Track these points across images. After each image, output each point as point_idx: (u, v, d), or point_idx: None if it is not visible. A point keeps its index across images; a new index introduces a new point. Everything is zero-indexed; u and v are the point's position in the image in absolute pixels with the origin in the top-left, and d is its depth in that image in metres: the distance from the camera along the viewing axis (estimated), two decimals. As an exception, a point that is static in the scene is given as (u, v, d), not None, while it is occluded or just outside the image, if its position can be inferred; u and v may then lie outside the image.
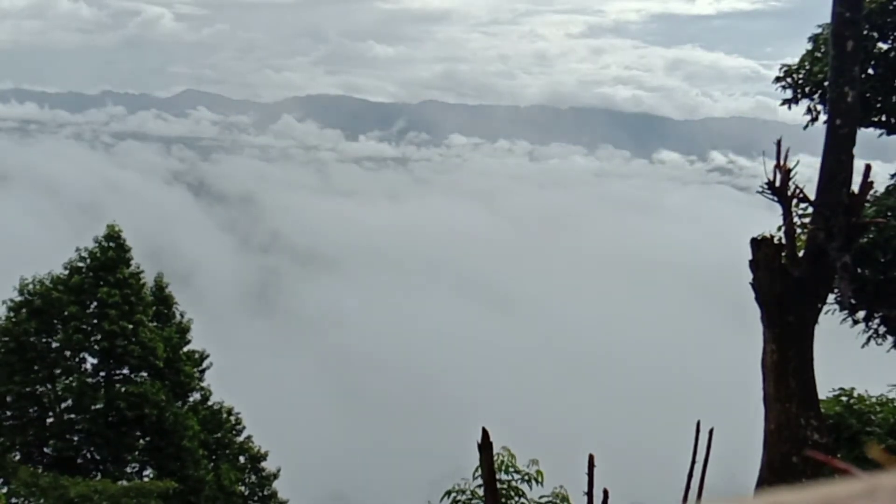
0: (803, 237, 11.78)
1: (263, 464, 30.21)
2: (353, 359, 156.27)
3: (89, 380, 27.17)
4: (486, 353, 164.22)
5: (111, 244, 27.90)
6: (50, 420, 27.01)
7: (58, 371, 27.15)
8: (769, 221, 13.41)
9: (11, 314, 26.99)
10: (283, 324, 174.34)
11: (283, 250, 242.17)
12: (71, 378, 26.91)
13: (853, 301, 15.34)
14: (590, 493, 8.45)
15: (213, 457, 29.00)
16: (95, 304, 27.35)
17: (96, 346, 27.28)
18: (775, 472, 10.28)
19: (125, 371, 27.62)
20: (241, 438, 30.07)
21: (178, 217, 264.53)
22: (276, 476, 30.30)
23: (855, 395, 15.07)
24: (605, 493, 8.30)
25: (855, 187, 10.81)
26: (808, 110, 16.92)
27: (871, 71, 16.22)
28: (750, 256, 10.83)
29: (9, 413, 26.62)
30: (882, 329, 16.37)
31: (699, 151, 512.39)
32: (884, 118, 16.63)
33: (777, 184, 10.92)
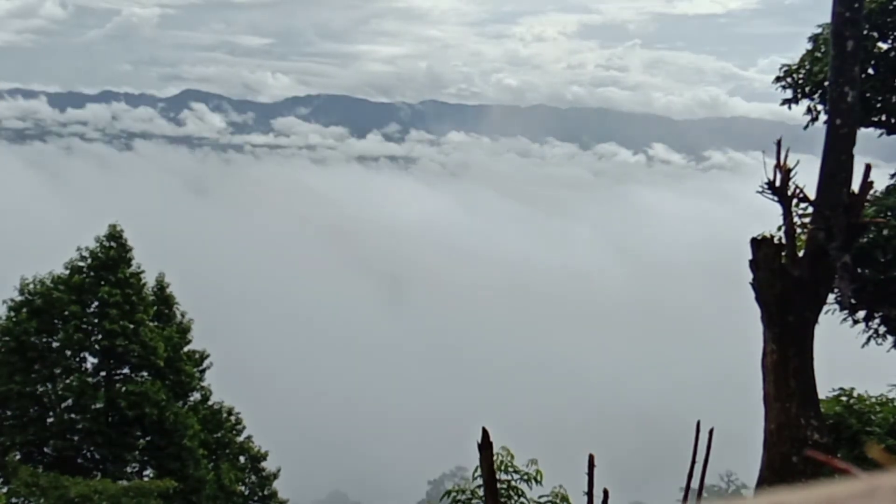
0: (803, 237, 11.78)
1: (263, 464, 30.20)
2: (352, 356, 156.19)
3: (90, 379, 27.15)
4: (485, 352, 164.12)
5: (112, 244, 27.88)
6: (50, 419, 26.98)
7: (58, 371, 27.13)
8: (769, 221, 13.42)
9: (12, 314, 26.98)
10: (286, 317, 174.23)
11: (314, 246, 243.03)
12: (71, 378, 26.89)
13: (853, 301, 15.34)
14: (590, 493, 8.45)
15: (214, 456, 28.99)
16: (96, 303, 27.34)
17: (97, 346, 27.26)
18: (775, 472, 10.29)
19: (126, 370, 27.61)
20: (241, 438, 30.05)
21: (198, 215, 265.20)
22: (276, 476, 30.29)
23: (855, 395, 15.06)
24: (605, 493, 8.30)
25: (855, 187, 10.81)
26: (808, 110, 16.92)
27: (871, 71, 16.21)
28: (750, 256, 10.83)
29: (9, 412, 26.60)
30: (882, 329, 16.36)
31: (696, 150, 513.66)
32: (884, 118, 16.63)
33: (777, 184, 10.92)
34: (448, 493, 11.27)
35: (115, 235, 27.97)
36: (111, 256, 27.49)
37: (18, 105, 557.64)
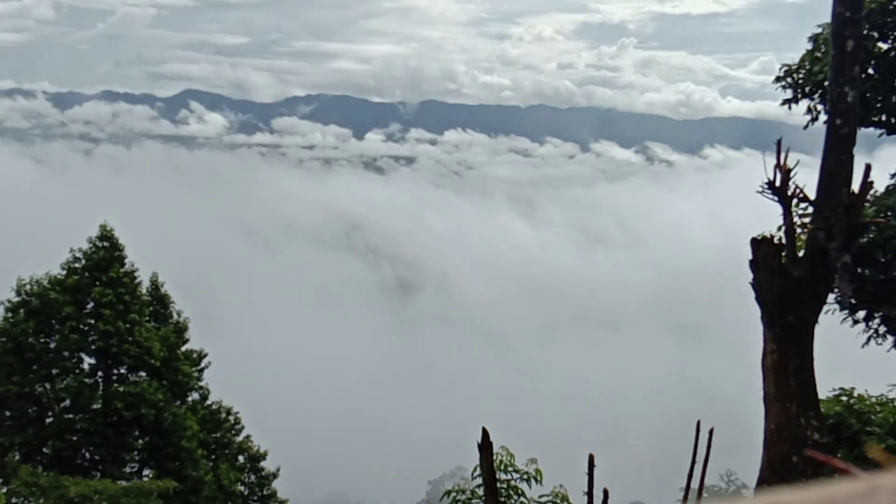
0: (803, 237, 11.76)
1: (263, 463, 30.15)
2: (352, 355, 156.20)
3: (87, 380, 27.10)
4: (485, 351, 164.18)
5: (104, 244, 27.82)
6: (49, 420, 26.94)
7: (56, 371, 27.08)
8: (769, 221, 13.41)
9: (9, 315, 26.94)
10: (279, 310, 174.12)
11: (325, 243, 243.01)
12: (69, 378, 26.85)
13: (853, 301, 15.32)
14: (590, 493, 8.44)
15: (213, 456, 28.94)
16: (91, 304, 27.31)
17: (93, 346, 27.22)
18: (775, 472, 10.27)
19: (123, 371, 27.57)
20: (240, 438, 29.99)
21: (198, 214, 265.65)
22: (275, 475, 30.22)
23: (855, 395, 15.06)
24: (605, 493, 8.29)
25: (855, 187, 10.80)
26: (808, 110, 16.91)
27: (871, 71, 16.21)
28: (750, 256, 10.82)
29: (8, 413, 26.57)
30: (882, 329, 16.34)
31: (695, 149, 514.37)
32: (884, 118, 16.62)
33: (777, 183, 10.91)
34: (448, 492, 11.25)
35: (106, 235, 27.92)
36: (103, 257, 27.43)
37: (18, 104, 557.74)
